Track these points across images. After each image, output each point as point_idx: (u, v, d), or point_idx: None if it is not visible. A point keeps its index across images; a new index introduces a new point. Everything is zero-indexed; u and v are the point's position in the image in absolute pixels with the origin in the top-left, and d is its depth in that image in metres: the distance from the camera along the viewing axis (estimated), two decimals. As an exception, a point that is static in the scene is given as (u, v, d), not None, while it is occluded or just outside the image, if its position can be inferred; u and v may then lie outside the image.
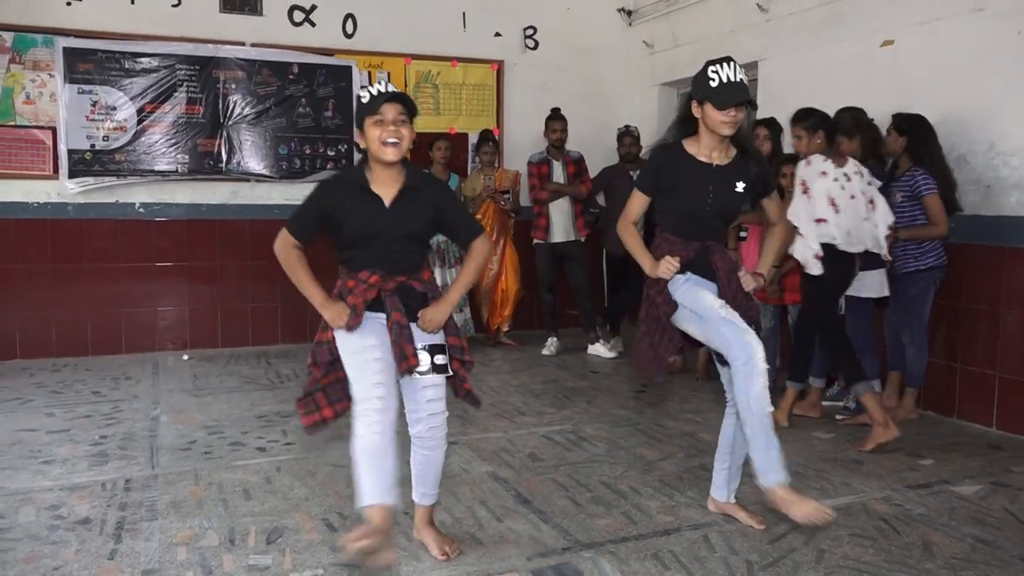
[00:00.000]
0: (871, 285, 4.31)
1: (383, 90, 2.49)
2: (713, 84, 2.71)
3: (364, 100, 2.50)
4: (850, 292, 4.27)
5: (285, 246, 2.61)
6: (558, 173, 6.28)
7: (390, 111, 2.48)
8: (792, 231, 3.76)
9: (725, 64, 2.72)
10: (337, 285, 2.65)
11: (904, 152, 4.35)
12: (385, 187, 2.57)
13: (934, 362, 4.52)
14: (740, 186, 2.88)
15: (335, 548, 2.82)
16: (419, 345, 2.58)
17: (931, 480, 3.56)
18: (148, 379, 5.41)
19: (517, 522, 3.08)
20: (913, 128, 4.31)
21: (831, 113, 4.38)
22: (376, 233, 2.55)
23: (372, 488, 2.38)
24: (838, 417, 4.50)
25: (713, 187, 2.85)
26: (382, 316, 2.56)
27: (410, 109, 2.54)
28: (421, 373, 2.58)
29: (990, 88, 4.29)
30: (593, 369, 5.85)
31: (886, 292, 4.35)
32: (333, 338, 2.60)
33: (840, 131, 4.26)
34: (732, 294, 2.85)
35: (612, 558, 2.77)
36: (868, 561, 2.76)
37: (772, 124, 4.97)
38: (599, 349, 6.26)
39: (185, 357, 6.12)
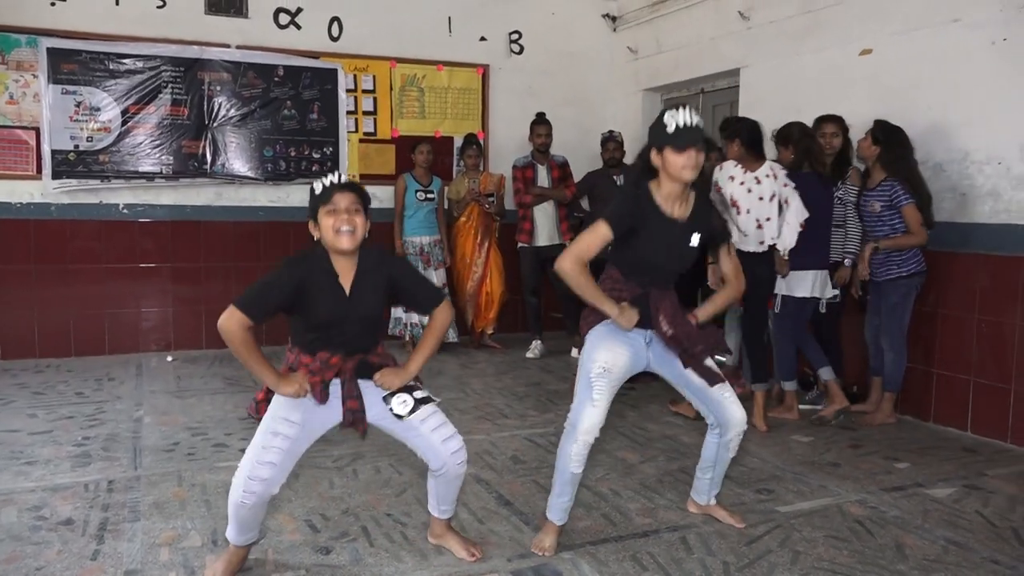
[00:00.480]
0: (803, 284, 4.45)
1: (335, 180, 2.48)
2: (670, 130, 2.67)
3: (317, 191, 2.48)
4: (785, 292, 4.47)
5: (238, 328, 2.41)
6: (543, 177, 6.32)
7: (343, 200, 2.45)
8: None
9: (680, 109, 2.69)
10: (288, 359, 2.61)
11: (876, 162, 4.42)
12: (344, 275, 2.54)
13: (912, 367, 4.59)
14: (695, 239, 2.84)
15: (317, 549, 2.85)
16: (389, 391, 2.60)
17: (906, 483, 3.63)
18: (131, 380, 5.40)
19: (498, 523, 3.11)
20: (888, 139, 4.36)
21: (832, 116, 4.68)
22: (339, 320, 2.52)
23: (236, 535, 2.61)
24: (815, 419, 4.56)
25: (670, 243, 2.81)
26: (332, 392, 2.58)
27: (364, 199, 2.51)
28: (409, 414, 2.58)
29: (965, 98, 4.37)
30: (576, 373, 5.88)
31: (819, 293, 4.48)
32: (264, 397, 2.61)
33: (777, 140, 4.54)
34: (682, 334, 2.81)
35: (591, 559, 2.81)
36: (842, 562, 2.81)
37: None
38: (582, 352, 6.30)
39: (169, 358, 6.12)
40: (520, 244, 6.42)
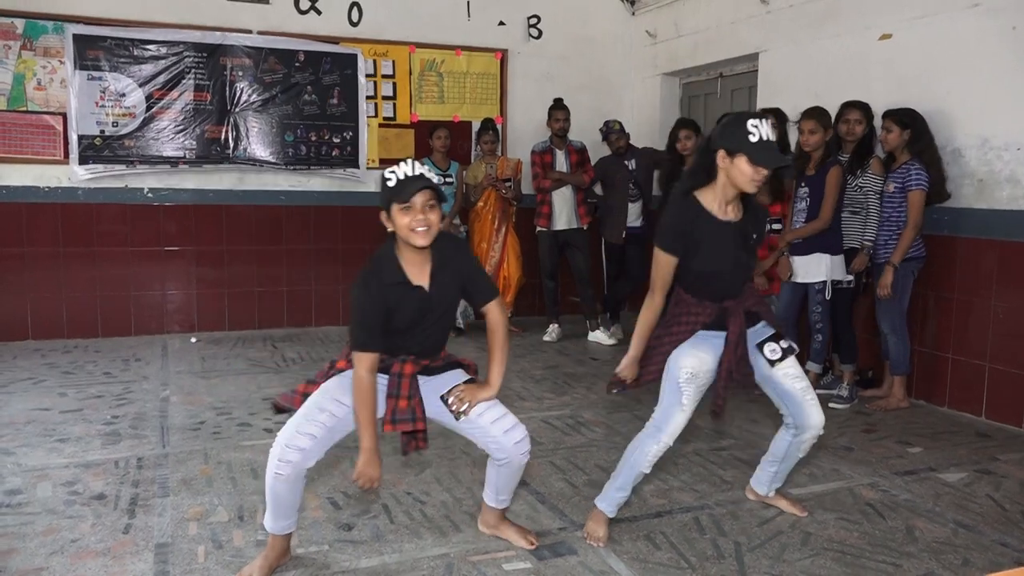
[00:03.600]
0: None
1: (410, 173, 2.41)
2: (752, 139, 2.62)
3: (391, 184, 2.41)
4: (832, 277, 4.63)
5: (368, 372, 2.44)
6: (561, 162, 6.36)
7: (419, 198, 2.40)
8: None
9: (764, 121, 2.65)
10: (339, 365, 2.58)
11: (903, 146, 4.43)
12: (417, 268, 2.51)
13: (926, 352, 4.62)
14: (753, 238, 2.86)
15: (339, 526, 2.94)
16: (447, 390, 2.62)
17: (918, 467, 3.66)
18: (157, 361, 5.53)
19: (515, 503, 3.18)
20: (915, 121, 4.41)
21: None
22: (423, 320, 2.53)
23: (273, 521, 2.59)
24: (831, 405, 4.59)
25: (734, 245, 2.79)
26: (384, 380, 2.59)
27: (438, 194, 2.46)
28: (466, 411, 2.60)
29: (984, 83, 4.36)
30: (593, 356, 5.95)
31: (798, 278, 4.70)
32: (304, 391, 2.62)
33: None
34: (735, 361, 2.82)
35: (606, 538, 2.88)
36: (852, 544, 2.87)
37: (779, 114, 5.06)
38: (599, 336, 6.36)
39: (193, 340, 6.24)
40: (538, 228, 6.46)
